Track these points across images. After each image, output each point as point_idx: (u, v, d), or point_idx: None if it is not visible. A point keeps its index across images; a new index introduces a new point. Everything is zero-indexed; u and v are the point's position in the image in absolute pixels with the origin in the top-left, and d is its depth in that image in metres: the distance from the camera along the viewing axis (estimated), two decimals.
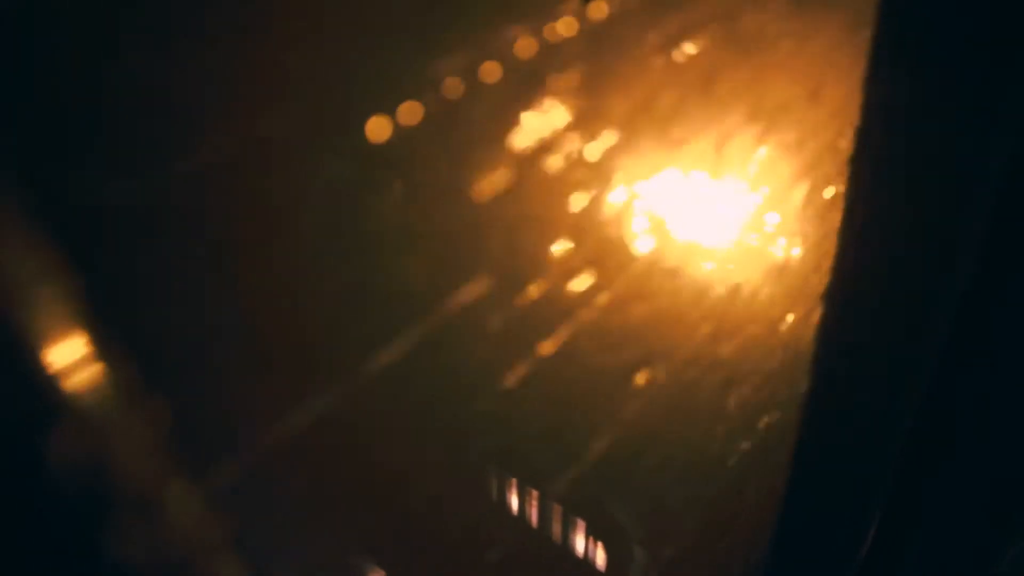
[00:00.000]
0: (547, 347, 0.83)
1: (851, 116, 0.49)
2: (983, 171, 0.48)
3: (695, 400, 0.98)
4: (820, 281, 0.93)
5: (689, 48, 0.70)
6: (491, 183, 0.56)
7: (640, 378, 0.92)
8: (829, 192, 0.86)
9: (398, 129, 0.48)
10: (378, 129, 0.47)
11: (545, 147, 0.61)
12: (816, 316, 0.93)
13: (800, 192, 0.89)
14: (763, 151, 0.85)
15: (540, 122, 0.59)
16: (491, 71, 0.53)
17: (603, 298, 0.85)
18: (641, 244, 0.84)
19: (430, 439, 0.80)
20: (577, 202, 0.70)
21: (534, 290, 0.78)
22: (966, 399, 0.63)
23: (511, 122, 0.55)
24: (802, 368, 0.71)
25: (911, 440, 0.66)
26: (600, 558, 0.92)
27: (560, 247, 0.70)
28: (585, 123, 0.62)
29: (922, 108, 0.46)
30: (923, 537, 0.75)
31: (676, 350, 0.94)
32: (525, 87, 0.55)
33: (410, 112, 0.49)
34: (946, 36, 0.43)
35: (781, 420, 0.92)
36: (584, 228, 0.77)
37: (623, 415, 0.94)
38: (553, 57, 0.55)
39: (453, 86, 0.51)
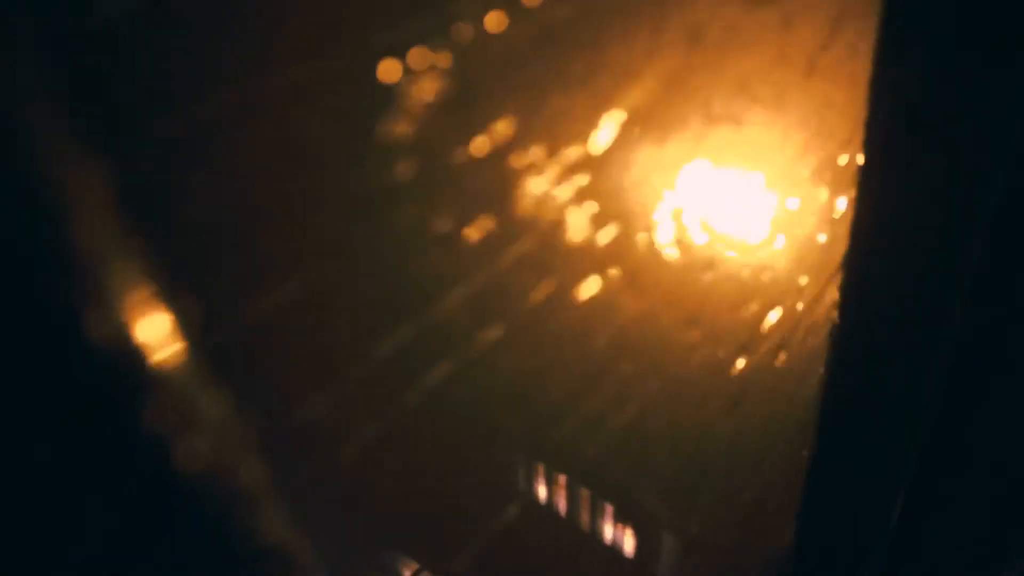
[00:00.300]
0: (563, 335, 0.82)
1: (858, 112, 0.49)
2: (987, 169, 0.48)
3: (716, 388, 0.97)
4: (829, 273, 0.93)
5: (707, 27, 0.70)
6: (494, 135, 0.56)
7: (660, 365, 0.91)
8: (830, 191, 0.86)
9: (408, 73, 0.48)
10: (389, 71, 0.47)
11: (546, 102, 0.61)
12: (830, 298, 0.93)
13: (801, 191, 0.89)
14: (768, 141, 0.85)
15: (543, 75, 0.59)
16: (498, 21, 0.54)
17: (622, 283, 0.85)
18: (646, 231, 0.83)
19: (457, 432, 0.79)
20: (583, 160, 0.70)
21: (542, 274, 0.77)
22: (978, 401, 0.63)
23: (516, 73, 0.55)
24: (820, 357, 0.71)
25: (925, 439, 0.66)
26: (629, 543, 0.90)
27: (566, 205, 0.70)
28: (588, 77, 0.62)
29: (928, 105, 0.46)
30: (933, 542, 0.75)
31: (687, 343, 0.94)
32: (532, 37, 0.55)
33: (419, 57, 0.49)
34: (951, 33, 0.43)
35: (803, 408, 0.91)
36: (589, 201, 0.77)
37: (643, 402, 0.93)
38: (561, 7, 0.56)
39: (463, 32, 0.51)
